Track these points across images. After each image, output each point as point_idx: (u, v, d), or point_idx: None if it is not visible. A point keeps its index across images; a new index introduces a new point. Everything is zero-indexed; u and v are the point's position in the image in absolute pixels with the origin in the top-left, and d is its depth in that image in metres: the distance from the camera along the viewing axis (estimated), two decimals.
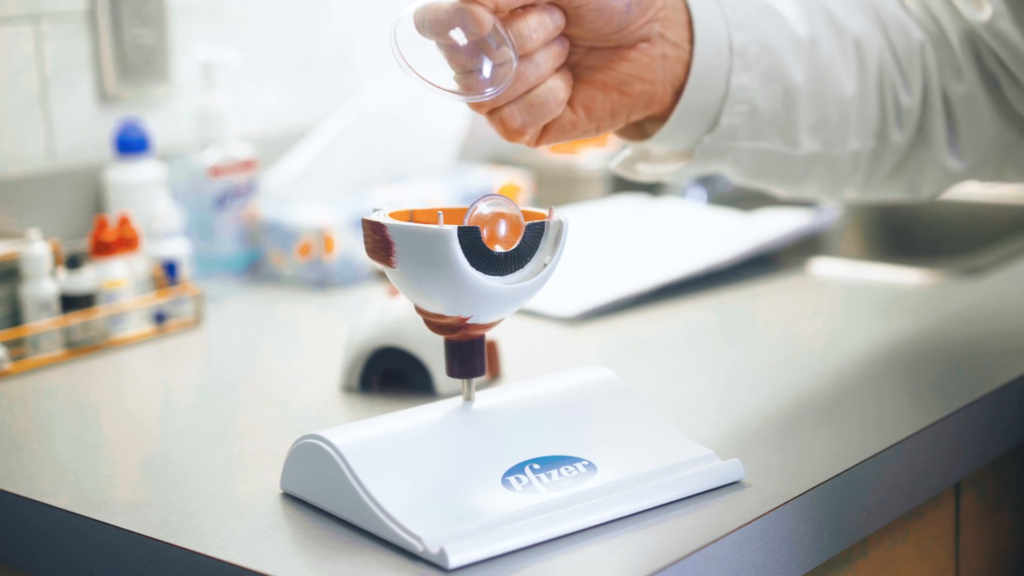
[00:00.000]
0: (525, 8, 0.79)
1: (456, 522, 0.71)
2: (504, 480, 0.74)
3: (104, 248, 1.16)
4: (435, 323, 0.76)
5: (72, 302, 1.12)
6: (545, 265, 0.75)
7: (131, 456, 0.89)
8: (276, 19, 1.48)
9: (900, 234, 1.61)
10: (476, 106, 0.81)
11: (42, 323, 1.10)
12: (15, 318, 1.11)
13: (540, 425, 0.78)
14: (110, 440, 0.93)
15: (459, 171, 1.51)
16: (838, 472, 0.80)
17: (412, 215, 0.77)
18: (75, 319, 1.11)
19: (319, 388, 1.00)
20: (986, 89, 0.95)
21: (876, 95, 0.94)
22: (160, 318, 1.17)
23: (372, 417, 0.79)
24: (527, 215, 0.76)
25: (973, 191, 1.49)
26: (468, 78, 0.78)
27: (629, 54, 0.84)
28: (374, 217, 0.75)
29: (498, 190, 1.46)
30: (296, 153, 1.43)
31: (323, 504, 0.76)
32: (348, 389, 0.99)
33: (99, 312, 1.13)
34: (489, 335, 0.96)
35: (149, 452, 0.90)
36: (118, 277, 1.15)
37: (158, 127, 1.34)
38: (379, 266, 0.76)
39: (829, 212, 1.41)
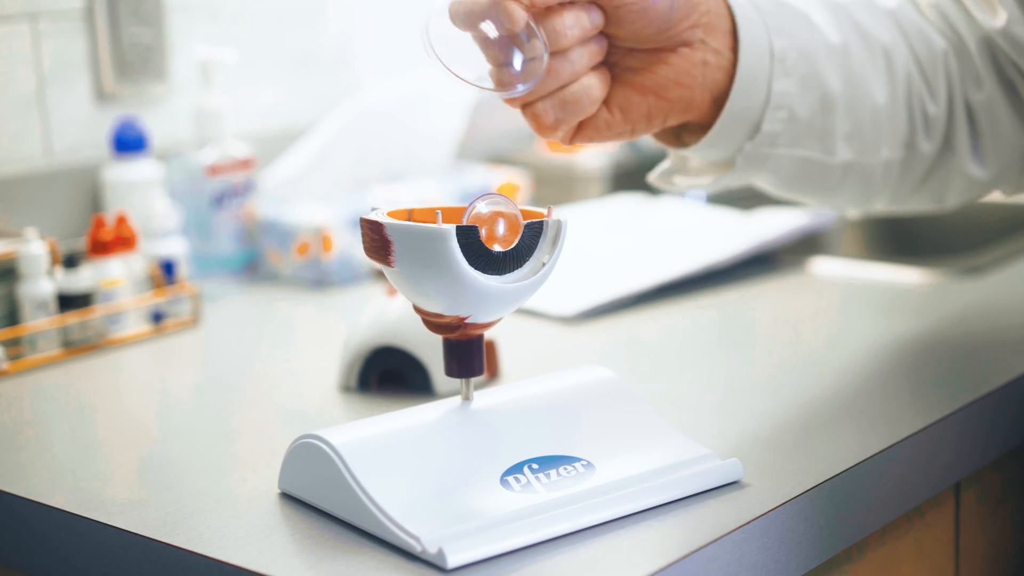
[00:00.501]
0: (561, 5, 0.79)
1: (454, 522, 0.71)
2: (503, 480, 0.74)
3: (101, 247, 1.15)
4: (433, 322, 0.76)
5: (69, 301, 1.11)
6: (544, 264, 0.75)
7: (128, 456, 0.89)
8: (274, 18, 1.48)
9: (900, 233, 1.61)
10: (510, 100, 0.81)
11: (39, 322, 1.10)
12: (12, 317, 1.11)
13: (539, 425, 0.78)
14: (107, 440, 0.93)
15: (457, 170, 1.51)
16: (837, 472, 0.79)
17: (410, 214, 0.77)
18: (72, 318, 1.11)
19: (317, 388, 1.00)
20: (1005, 96, 0.95)
21: (905, 104, 0.95)
22: (158, 317, 1.17)
23: (370, 417, 0.78)
24: (526, 214, 0.75)
25: None
26: (500, 72, 0.79)
27: (669, 58, 0.84)
28: (372, 216, 0.75)
29: (497, 189, 1.46)
30: (294, 152, 1.42)
31: (321, 504, 0.76)
32: (346, 389, 0.99)
33: (96, 311, 1.13)
34: (488, 334, 0.96)
35: (147, 452, 0.90)
36: (115, 276, 1.15)
37: (156, 126, 1.34)
38: (377, 265, 0.76)
39: (828, 212, 1.41)
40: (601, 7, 0.80)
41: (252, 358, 1.13)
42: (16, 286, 1.11)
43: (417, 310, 0.77)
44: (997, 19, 0.92)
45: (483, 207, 0.74)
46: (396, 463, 0.74)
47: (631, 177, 1.65)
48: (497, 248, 0.73)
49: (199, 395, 1.04)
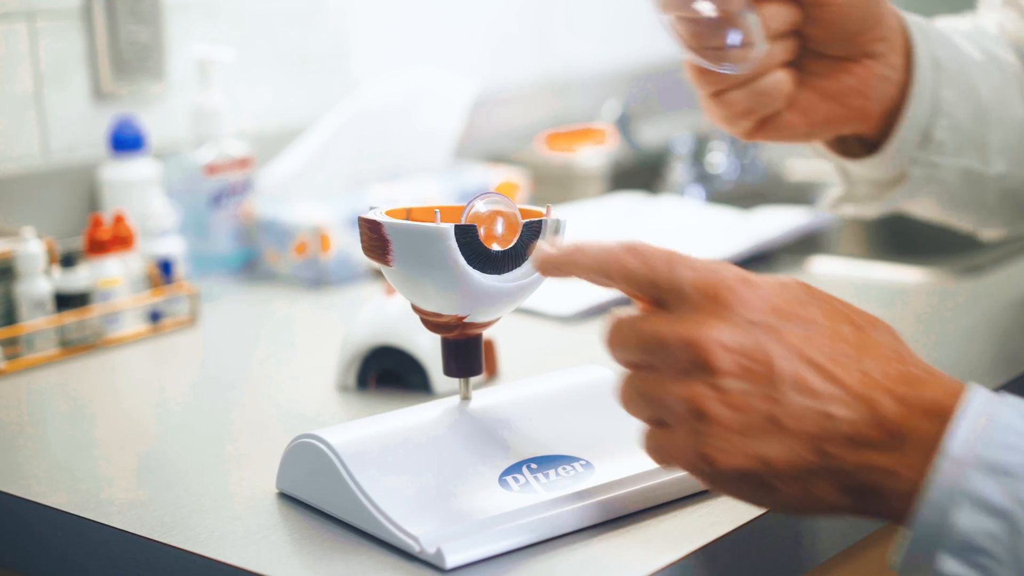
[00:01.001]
0: None
1: (453, 522, 0.70)
2: (501, 480, 0.74)
3: (99, 246, 1.15)
4: (432, 322, 0.76)
5: (67, 301, 1.11)
6: None
7: (126, 456, 0.89)
8: (271, 16, 1.48)
9: (899, 233, 1.61)
10: (705, 81, 0.84)
11: (36, 322, 1.10)
12: (9, 317, 1.11)
13: (537, 424, 0.78)
14: (105, 440, 0.93)
15: (456, 169, 1.51)
16: None
17: (409, 213, 0.77)
18: (70, 318, 1.11)
19: (315, 387, 1.00)
20: None
21: None
22: (155, 317, 1.17)
23: (369, 416, 0.78)
24: (525, 213, 0.75)
25: None
26: (705, 53, 0.82)
27: (853, 68, 0.87)
28: (370, 215, 0.75)
29: (495, 188, 1.46)
30: (292, 151, 1.42)
31: (319, 504, 0.76)
32: (344, 388, 0.99)
33: (94, 311, 1.12)
34: (486, 334, 0.96)
35: (144, 452, 0.89)
36: (113, 276, 1.15)
37: (153, 125, 1.34)
38: (376, 264, 0.75)
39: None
40: (800, 4, 0.83)
41: (250, 358, 1.13)
42: (13, 285, 1.11)
43: (415, 309, 0.76)
44: None
45: (482, 206, 0.74)
46: (394, 463, 0.74)
47: (630, 176, 1.65)
48: (496, 247, 0.73)
49: (197, 395, 1.04)
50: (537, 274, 0.74)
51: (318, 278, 1.30)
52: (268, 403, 0.99)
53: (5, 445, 0.91)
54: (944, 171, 0.93)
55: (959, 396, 0.62)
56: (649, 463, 0.76)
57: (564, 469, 0.75)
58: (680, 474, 0.76)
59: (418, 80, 1.47)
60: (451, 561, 0.68)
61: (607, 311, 1.18)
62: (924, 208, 0.99)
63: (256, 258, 1.35)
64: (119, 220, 1.18)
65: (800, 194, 1.67)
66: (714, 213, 1.45)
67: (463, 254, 0.72)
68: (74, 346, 1.11)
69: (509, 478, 0.74)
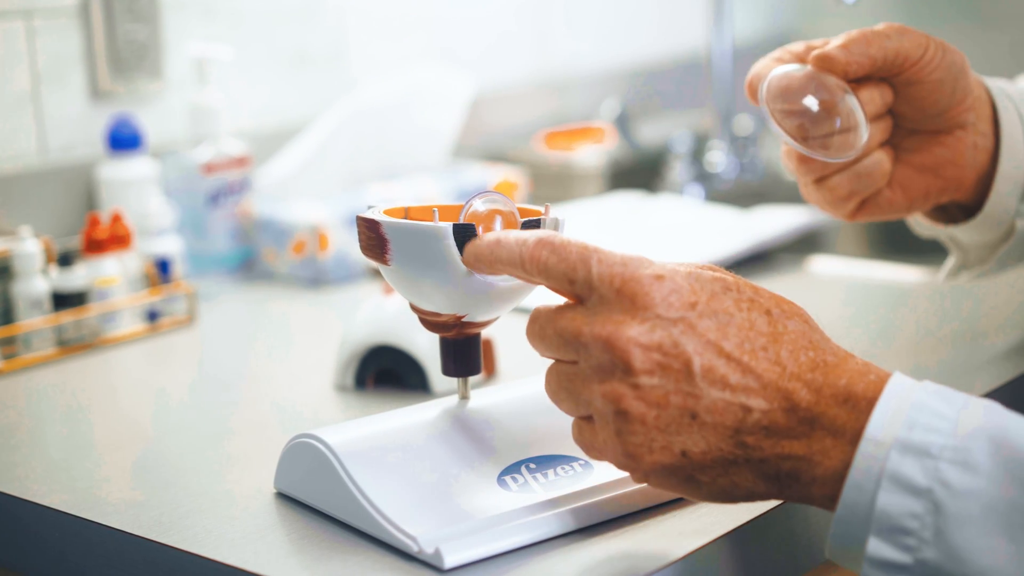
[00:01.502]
0: (860, 82, 0.86)
1: (451, 522, 0.70)
2: (500, 480, 0.74)
3: (96, 246, 1.15)
4: (430, 321, 0.76)
5: (64, 300, 1.11)
6: None
7: (123, 455, 0.89)
8: (269, 14, 1.48)
9: (899, 232, 1.60)
10: (807, 169, 0.89)
11: (34, 321, 1.09)
12: (6, 316, 1.10)
13: (536, 424, 0.78)
14: (102, 439, 0.93)
15: (455, 168, 1.51)
16: None
17: (407, 212, 0.77)
18: (67, 317, 1.10)
19: (313, 387, 0.99)
20: None
21: None
22: (153, 316, 1.17)
23: (367, 416, 0.78)
24: (523, 212, 0.75)
25: None
26: (811, 144, 0.85)
27: (946, 140, 0.90)
28: (369, 214, 0.75)
29: (494, 187, 1.45)
30: (290, 150, 1.42)
31: (317, 504, 0.76)
32: (342, 388, 0.98)
33: (91, 310, 1.12)
34: (485, 333, 0.96)
35: (142, 451, 0.89)
36: (110, 275, 1.15)
37: (151, 123, 1.34)
38: (374, 264, 0.75)
39: None
40: (892, 86, 0.87)
41: (248, 357, 1.12)
42: (10, 285, 1.11)
43: (414, 309, 0.76)
44: None
45: (480, 205, 0.73)
46: (392, 462, 0.73)
47: (629, 175, 1.64)
48: None
49: (194, 394, 1.04)
50: None
51: (316, 277, 1.30)
52: (266, 402, 0.99)
53: (2, 445, 0.91)
54: None
55: (869, 380, 0.64)
56: None
57: (563, 469, 0.75)
58: None
59: (416, 79, 1.47)
60: (449, 561, 0.68)
61: None
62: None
63: (254, 257, 1.35)
64: (116, 219, 1.17)
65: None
66: (713, 212, 1.45)
67: (462, 253, 0.72)
68: (71, 345, 1.11)
69: (508, 478, 0.74)
